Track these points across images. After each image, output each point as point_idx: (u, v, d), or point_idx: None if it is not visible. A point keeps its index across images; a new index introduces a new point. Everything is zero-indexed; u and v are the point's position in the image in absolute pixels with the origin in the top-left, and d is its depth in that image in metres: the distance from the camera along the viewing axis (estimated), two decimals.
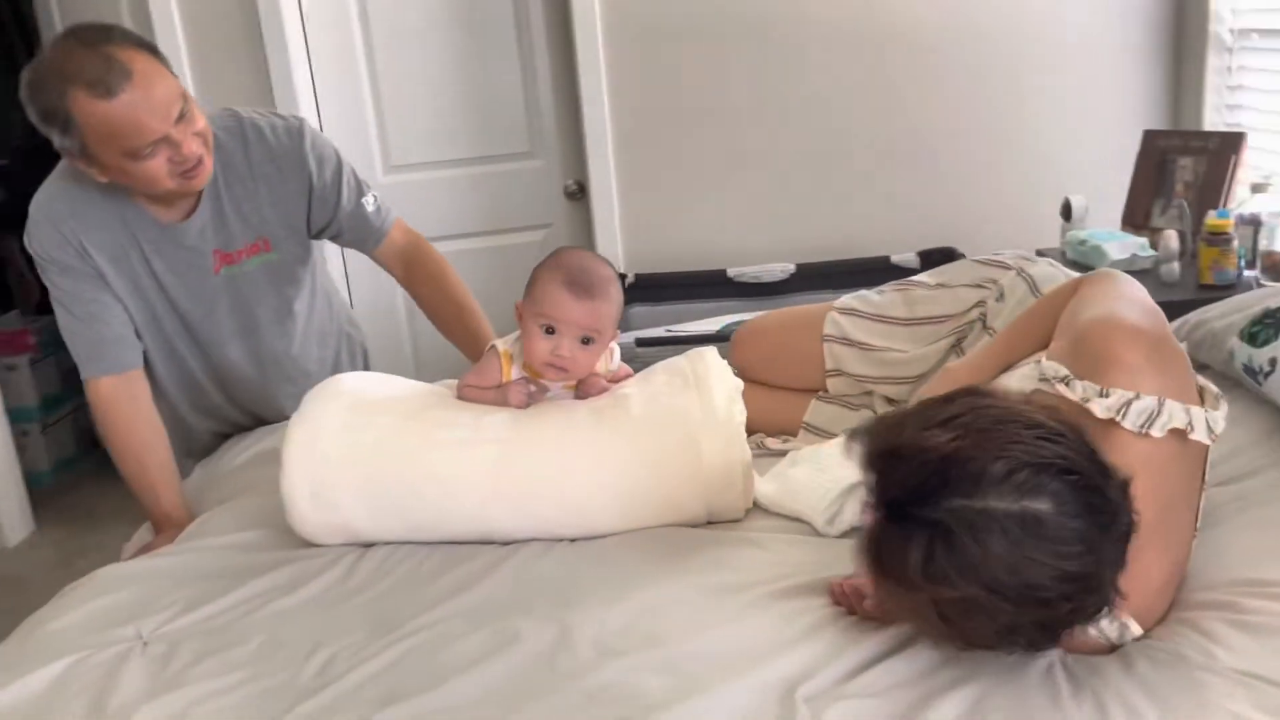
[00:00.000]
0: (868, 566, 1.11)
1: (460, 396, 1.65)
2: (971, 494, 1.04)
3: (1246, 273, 2.48)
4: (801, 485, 1.55)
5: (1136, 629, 1.20)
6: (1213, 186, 2.71)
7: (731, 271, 3.20)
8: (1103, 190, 3.08)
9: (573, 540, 1.53)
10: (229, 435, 2.15)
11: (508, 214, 3.38)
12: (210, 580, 1.51)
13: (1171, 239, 2.56)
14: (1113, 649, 1.20)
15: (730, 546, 1.47)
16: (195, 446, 2.15)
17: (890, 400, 1.79)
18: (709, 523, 1.56)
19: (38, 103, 1.66)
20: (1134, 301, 1.35)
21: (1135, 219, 2.89)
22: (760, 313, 2.06)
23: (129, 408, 1.87)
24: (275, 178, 1.89)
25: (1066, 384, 1.25)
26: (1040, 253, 2.96)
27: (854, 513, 1.50)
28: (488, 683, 1.22)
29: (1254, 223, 2.48)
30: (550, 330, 1.56)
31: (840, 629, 1.26)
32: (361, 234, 2.01)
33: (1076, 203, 2.86)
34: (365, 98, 3.21)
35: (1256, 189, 2.53)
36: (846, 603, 1.29)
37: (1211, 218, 2.48)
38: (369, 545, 1.57)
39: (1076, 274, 1.62)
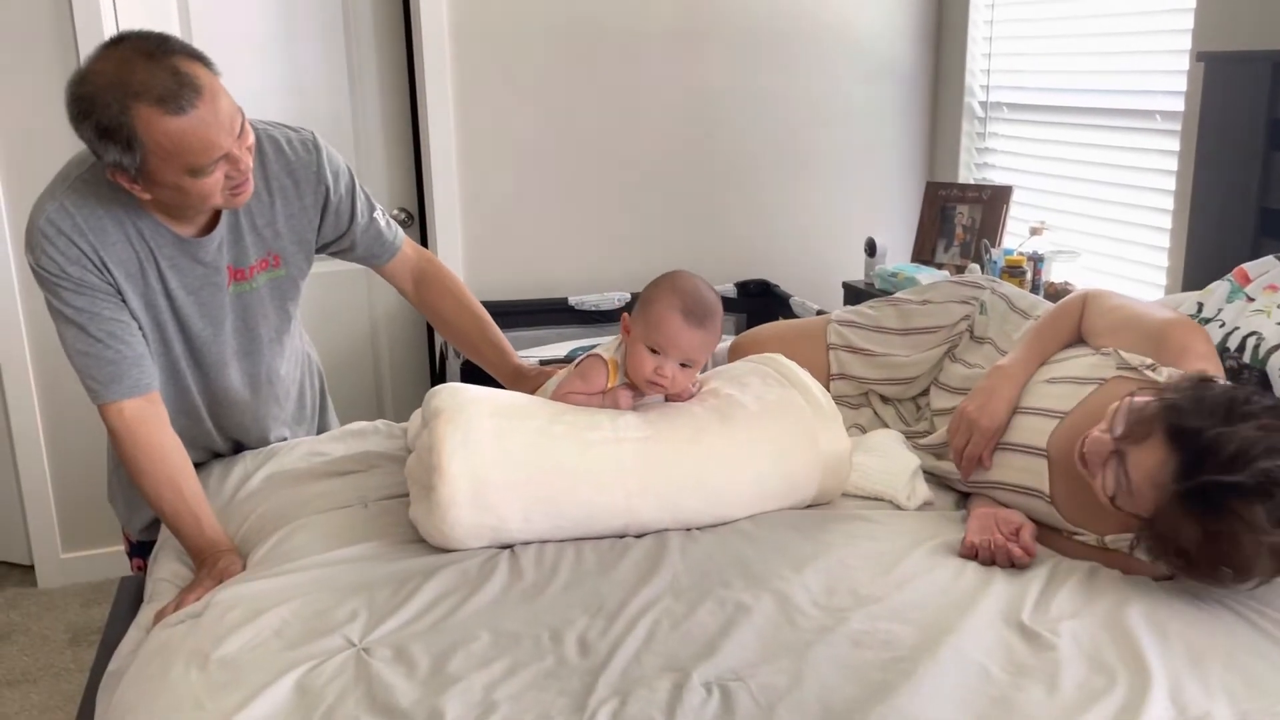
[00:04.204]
0: (1203, 527, 1.38)
1: (559, 401, 1.73)
2: None
3: None
4: (874, 470, 1.80)
5: None
6: (989, 229, 3.30)
7: (573, 299, 3.38)
8: (889, 232, 3.61)
9: (701, 528, 1.67)
10: (198, 465, 2.03)
11: None
12: (370, 590, 1.49)
13: (977, 271, 3.08)
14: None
15: (847, 523, 1.69)
16: None
17: (885, 399, 2.09)
18: (808, 506, 1.76)
19: (94, 118, 1.55)
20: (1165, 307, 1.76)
21: (923, 255, 3.43)
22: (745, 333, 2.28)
23: (158, 431, 1.75)
24: (291, 192, 1.86)
25: (1154, 370, 1.61)
26: (846, 285, 3.42)
27: (925, 490, 1.79)
28: (756, 642, 1.35)
29: (1036, 258, 3.06)
30: (655, 351, 1.69)
31: (999, 575, 1.52)
32: (375, 249, 2.01)
33: (880, 242, 3.34)
34: None
35: (1034, 231, 3.12)
36: (987, 555, 1.56)
37: (1008, 255, 3.03)
38: (503, 547, 1.61)
39: (1034, 296, 2.05)
